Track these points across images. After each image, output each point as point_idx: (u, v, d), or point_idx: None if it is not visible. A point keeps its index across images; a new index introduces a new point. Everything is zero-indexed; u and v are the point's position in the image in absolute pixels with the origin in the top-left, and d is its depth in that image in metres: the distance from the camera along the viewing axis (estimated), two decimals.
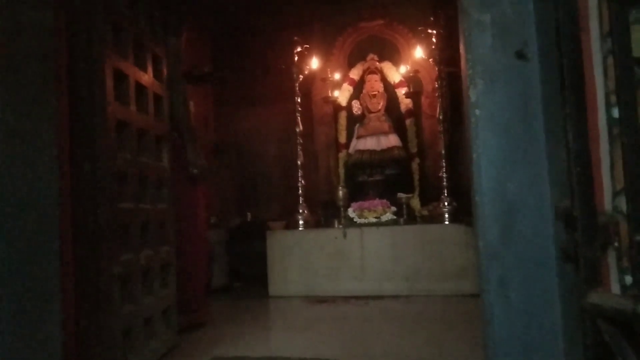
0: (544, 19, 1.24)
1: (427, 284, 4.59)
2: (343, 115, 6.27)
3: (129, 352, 2.45)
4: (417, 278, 4.62)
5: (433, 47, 5.31)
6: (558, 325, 1.25)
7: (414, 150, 5.99)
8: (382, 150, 5.88)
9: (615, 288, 1.14)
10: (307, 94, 6.09)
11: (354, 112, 6.22)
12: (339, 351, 2.89)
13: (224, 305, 4.57)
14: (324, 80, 6.06)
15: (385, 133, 5.94)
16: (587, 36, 1.18)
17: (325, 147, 6.36)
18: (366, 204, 5.20)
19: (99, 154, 2.28)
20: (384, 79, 6.15)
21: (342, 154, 6.21)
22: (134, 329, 2.51)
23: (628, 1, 0.99)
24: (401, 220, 5.12)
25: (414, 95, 5.96)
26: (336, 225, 5.13)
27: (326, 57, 6.16)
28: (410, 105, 6.04)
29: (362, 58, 6.23)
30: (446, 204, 4.95)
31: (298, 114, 5.50)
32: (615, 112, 1.09)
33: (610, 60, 1.13)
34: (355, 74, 6.23)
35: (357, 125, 6.16)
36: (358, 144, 6.05)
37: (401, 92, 6.05)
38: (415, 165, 5.96)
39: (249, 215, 6.45)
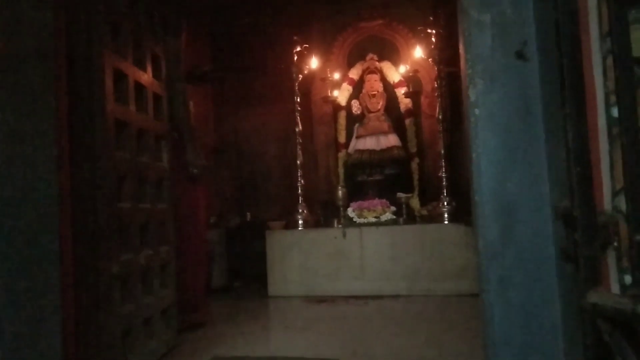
0: (544, 19, 1.24)
1: (427, 284, 4.59)
2: (342, 115, 6.27)
3: (128, 352, 2.45)
4: (416, 278, 4.62)
5: (432, 46, 5.31)
6: (558, 325, 1.25)
7: (413, 150, 5.99)
8: (382, 150, 5.88)
9: (615, 288, 1.14)
10: (306, 93, 6.09)
11: (354, 111, 6.21)
12: (339, 351, 2.89)
13: (223, 305, 4.57)
14: (324, 80, 6.06)
15: (385, 133, 5.94)
16: (587, 36, 1.18)
17: (324, 146, 6.36)
18: (366, 203, 5.20)
19: (98, 153, 2.28)
20: (383, 79, 6.15)
21: (342, 154, 6.21)
22: (133, 328, 2.51)
23: (627, 1, 0.99)
24: (401, 220, 5.12)
25: (413, 95, 5.96)
26: (336, 225, 5.13)
27: (326, 57, 6.15)
28: (410, 105, 6.04)
29: (362, 58, 6.23)
30: (445, 203, 4.95)
31: (297, 114, 5.50)
32: (615, 112, 1.09)
33: (609, 60, 1.13)
34: (354, 73, 6.23)
35: (357, 125, 6.16)
36: (357, 144, 6.05)
37: (401, 91, 6.05)
38: (414, 165, 5.96)
39: (248, 215, 6.45)
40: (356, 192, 5.60)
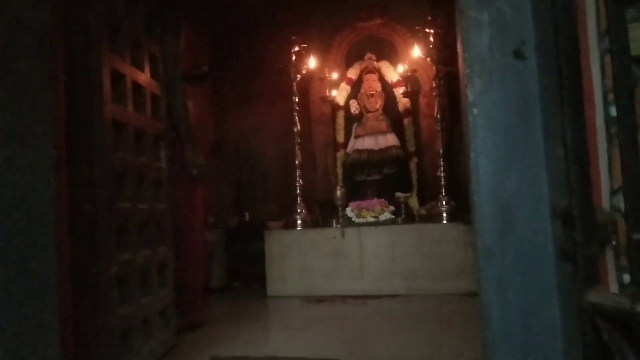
0: (542, 17, 1.24)
1: (426, 283, 4.59)
2: (341, 115, 6.27)
3: (127, 353, 2.45)
4: (415, 277, 4.62)
5: (431, 46, 5.31)
6: (557, 324, 1.25)
7: (412, 149, 5.99)
8: (380, 150, 5.88)
9: (614, 286, 1.14)
10: (304, 93, 6.09)
11: (352, 111, 6.22)
12: (338, 350, 2.89)
13: (222, 305, 4.57)
14: (322, 79, 6.06)
15: (383, 132, 5.94)
16: (585, 35, 1.18)
17: (323, 146, 6.36)
18: (364, 203, 5.20)
19: (96, 154, 2.28)
20: (381, 79, 6.16)
21: (340, 154, 6.21)
22: (132, 329, 2.51)
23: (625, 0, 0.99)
24: (399, 219, 5.12)
25: (411, 94, 5.96)
26: (334, 225, 5.13)
27: (324, 57, 6.15)
28: (408, 105, 6.05)
29: (360, 57, 6.23)
30: (444, 203, 4.95)
31: (296, 114, 5.50)
32: (613, 111, 1.09)
33: (607, 58, 1.13)
34: (353, 73, 6.23)
35: (355, 124, 6.16)
36: (356, 144, 6.06)
37: (399, 91, 6.06)
38: (413, 164, 5.96)
39: (247, 215, 6.45)
40: (355, 192, 5.60)
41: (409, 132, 6.02)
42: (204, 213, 4.17)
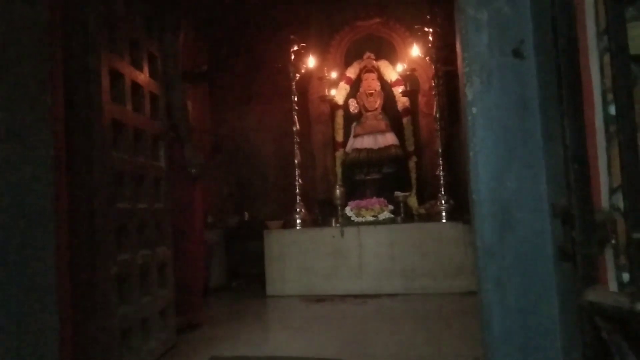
0: (541, 16, 1.24)
1: (425, 282, 4.59)
2: (340, 114, 6.27)
3: (126, 353, 2.45)
4: (414, 276, 4.62)
5: (430, 45, 5.31)
6: (556, 323, 1.25)
7: (411, 148, 5.99)
8: (379, 149, 5.88)
9: (613, 285, 1.14)
10: (303, 92, 6.09)
11: (351, 110, 6.22)
12: (338, 350, 2.89)
13: (222, 305, 4.57)
14: (321, 79, 6.05)
15: (382, 131, 5.94)
16: (584, 34, 1.18)
17: (322, 145, 6.36)
18: (363, 202, 5.19)
19: (95, 154, 2.27)
20: (380, 78, 6.16)
21: (339, 153, 6.21)
22: (131, 329, 2.51)
23: None
24: (399, 218, 5.12)
25: (410, 93, 5.96)
26: (333, 224, 5.13)
27: (323, 56, 6.15)
28: (407, 104, 6.05)
29: (359, 56, 6.23)
30: (443, 202, 4.95)
31: (295, 113, 5.49)
32: (612, 110, 1.09)
33: (607, 57, 1.13)
34: (352, 72, 6.23)
35: (354, 123, 6.16)
36: (355, 143, 6.05)
37: (398, 90, 6.05)
38: (412, 163, 5.96)
39: (246, 214, 6.45)
40: (354, 191, 5.60)
41: (408, 132, 6.02)
42: (203, 213, 4.17)
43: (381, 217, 5.05)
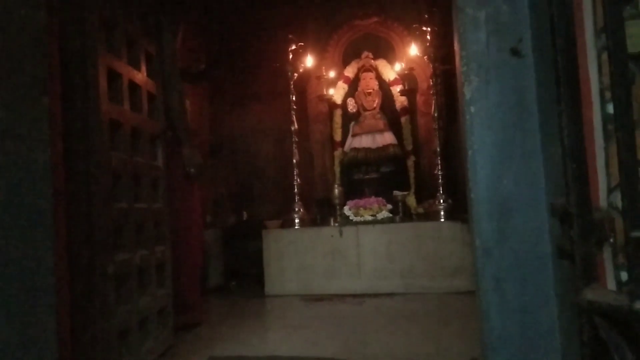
0: (539, 15, 1.24)
1: (423, 282, 4.59)
2: (338, 113, 6.26)
3: (125, 353, 2.44)
4: (413, 275, 4.63)
5: (428, 44, 5.31)
6: (554, 322, 1.25)
7: (409, 147, 5.99)
8: (378, 148, 5.88)
9: (611, 284, 1.14)
10: (302, 92, 6.09)
11: (349, 110, 6.22)
12: (337, 349, 2.89)
13: (220, 305, 4.56)
14: (319, 78, 6.05)
15: (381, 131, 5.94)
16: (582, 32, 1.18)
17: (320, 145, 6.35)
18: (362, 202, 5.20)
19: (92, 153, 2.27)
20: (378, 77, 6.15)
21: (338, 152, 6.21)
22: (130, 329, 2.50)
23: None
24: (397, 218, 5.13)
25: (409, 92, 5.96)
26: (332, 224, 5.13)
27: (321, 55, 6.15)
28: (406, 103, 6.05)
29: (357, 56, 6.23)
30: (442, 201, 4.95)
31: (293, 112, 5.49)
32: (610, 108, 1.09)
33: (604, 56, 1.13)
34: (350, 71, 6.22)
35: (353, 123, 6.16)
36: (353, 142, 6.05)
37: (396, 89, 6.05)
38: (410, 162, 5.96)
39: (245, 214, 6.44)
40: (352, 191, 5.61)
41: (406, 131, 6.02)
42: (201, 212, 4.16)
43: (380, 216, 5.05)
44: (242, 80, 6.68)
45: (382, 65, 6.13)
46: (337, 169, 6.16)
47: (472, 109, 1.32)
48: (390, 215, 5.12)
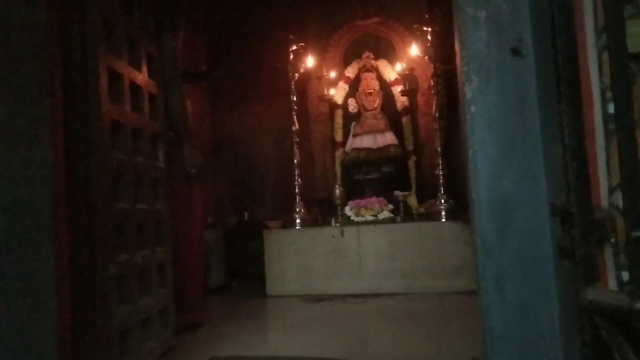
0: (539, 15, 1.24)
1: (425, 282, 4.59)
2: (339, 114, 6.26)
3: (126, 353, 2.44)
4: (414, 276, 4.62)
5: (428, 44, 5.31)
6: (555, 322, 1.25)
7: (410, 148, 5.99)
8: (379, 148, 5.88)
9: (612, 284, 1.14)
10: (302, 92, 6.09)
11: (350, 110, 6.21)
12: (338, 349, 2.89)
13: (221, 305, 4.57)
14: (320, 78, 6.05)
15: (382, 131, 5.94)
16: (582, 32, 1.18)
17: (321, 145, 6.35)
18: (363, 202, 5.19)
19: (93, 153, 2.27)
20: (379, 77, 6.15)
21: (339, 152, 6.21)
22: (131, 329, 2.50)
23: None
24: (398, 218, 5.12)
25: (409, 92, 5.95)
26: (333, 224, 5.13)
27: (322, 56, 6.15)
28: (406, 103, 6.04)
29: (358, 56, 6.23)
30: (443, 201, 4.95)
31: (294, 113, 5.49)
32: (611, 108, 1.09)
33: (605, 55, 1.13)
34: (350, 72, 6.22)
35: (353, 123, 6.16)
36: (354, 142, 6.05)
37: (397, 89, 6.05)
38: (411, 163, 5.95)
39: (246, 214, 6.44)
40: (353, 191, 5.60)
41: (407, 131, 6.02)
42: (202, 213, 4.16)
43: (381, 216, 5.05)
44: (242, 80, 6.69)
45: (383, 66, 6.13)
46: (338, 169, 6.16)
47: (473, 109, 1.32)
48: (392, 215, 5.12)
